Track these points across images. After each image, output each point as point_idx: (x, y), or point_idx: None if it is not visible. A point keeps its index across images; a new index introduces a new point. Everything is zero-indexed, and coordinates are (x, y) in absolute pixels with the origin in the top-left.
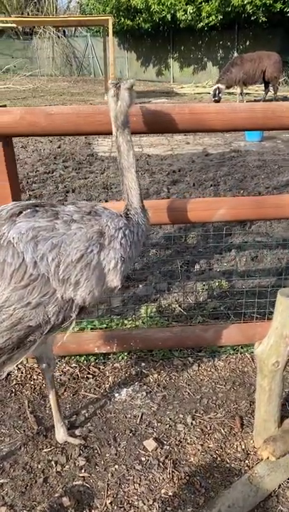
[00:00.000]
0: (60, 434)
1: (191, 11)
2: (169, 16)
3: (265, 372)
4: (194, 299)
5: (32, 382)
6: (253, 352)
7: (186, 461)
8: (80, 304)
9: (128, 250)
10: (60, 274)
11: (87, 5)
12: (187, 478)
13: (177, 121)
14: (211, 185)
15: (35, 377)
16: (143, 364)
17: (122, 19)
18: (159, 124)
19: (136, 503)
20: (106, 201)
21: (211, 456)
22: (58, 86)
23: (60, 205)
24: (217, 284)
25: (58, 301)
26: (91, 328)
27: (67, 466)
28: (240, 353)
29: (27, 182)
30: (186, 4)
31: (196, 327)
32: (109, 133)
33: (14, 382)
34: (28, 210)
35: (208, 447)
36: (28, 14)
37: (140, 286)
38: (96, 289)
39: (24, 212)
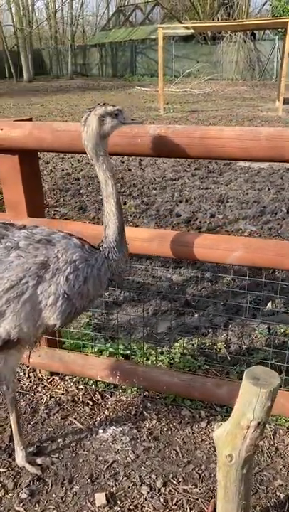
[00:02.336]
0: (19, 458)
1: None
2: None
3: (220, 463)
4: (248, 343)
5: (33, 395)
6: (277, 426)
7: None
8: (4, 338)
9: (78, 287)
10: None
11: (277, 7)
12: None
13: (185, 146)
14: None
15: (39, 389)
16: (149, 405)
17: None
18: (165, 147)
19: None
20: (212, 216)
21: None
22: (234, 90)
23: (13, 229)
24: (283, 330)
25: None
26: (110, 353)
27: (9, 494)
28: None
29: (148, 187)
30: None
31: (208, 379)
32: (114, 153)
33: (18, 389)
34: None
35: None
36: (218, 19)
37: (196, 315)
38: (25, 324)
39: None
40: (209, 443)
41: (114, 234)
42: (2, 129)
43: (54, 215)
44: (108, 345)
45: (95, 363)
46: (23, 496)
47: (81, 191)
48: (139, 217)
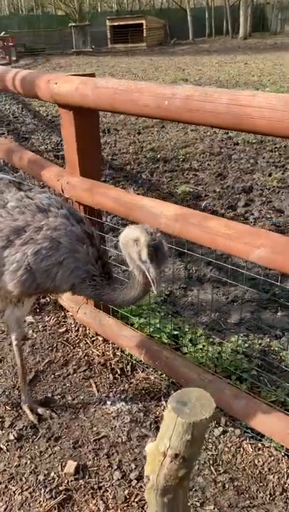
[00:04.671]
0: (22, 402)
1: None
2: None
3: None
4: None
5: (72, 348)
6: None
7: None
8: None
9: (46, 265)
10: None
11: None
12: None
13: (210, 113)
14: None
15: (81, 345)
16: (172, 392)
17: None
18: (189, 112)
19: (2, 506)
20: None
21: None
22: None
23: (14, 189)
24: None
25: None
26: (155, 329)
27: (2, 431)
28: (280, 452)
29: None
30: None
31: (227, 386)
32: (144, 115)
33: (62, 339)
34: None
35: (105, 510)
36: None
37: (279, 313)
38: None
39: None
40: (212, 454)
41: (131, 293)
42: (56, 83)
43: (190, 178)
44: (157, 320)
45: (127, 334)
46: (11, 437)
47: (233, 157)
48: (278, 192)
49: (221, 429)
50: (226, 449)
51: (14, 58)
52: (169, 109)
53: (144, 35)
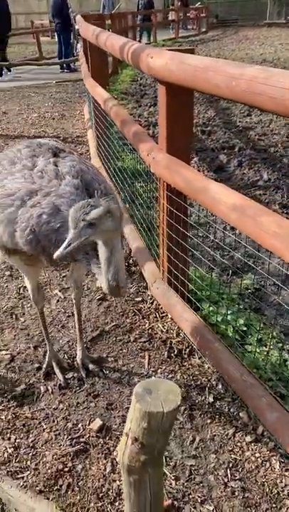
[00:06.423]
0: (77, 355)
1: None
2: None
3: None
4: None
5: (141, 318)
6: None
7: (84, 475)
8: None
9: (45, 230)
10: None
11: None
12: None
13: (271, 98)
14: None
15: (150, 317)
16: (219, 386)
17: None
18: (251, 96)
19: (30, 438)
20: None
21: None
22: None
23: (48, 154)
24: None
25: None
26: (222, 320)
27: (54, 375)
28: None
29: None
30: None
31: (265, 394)
32: (216, 95)
33: (136, 307)
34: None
35: (110, 473)
36: None
37: None
38: (4, 234)
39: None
40: (235, 458)
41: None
42: (152, 58)
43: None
44: (228, 311)
45: (187, 317)
46: (59, 382)
47: None
48: None
49: (254, 436)
50: (253, 458)
51: (203, 29)
52: (235, 90)
53: None
